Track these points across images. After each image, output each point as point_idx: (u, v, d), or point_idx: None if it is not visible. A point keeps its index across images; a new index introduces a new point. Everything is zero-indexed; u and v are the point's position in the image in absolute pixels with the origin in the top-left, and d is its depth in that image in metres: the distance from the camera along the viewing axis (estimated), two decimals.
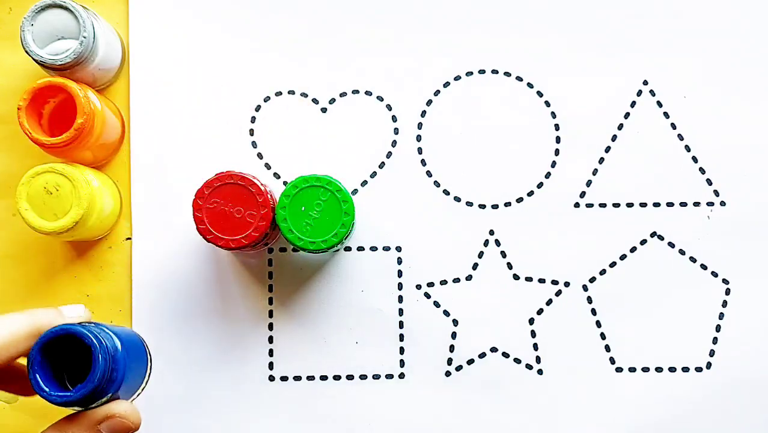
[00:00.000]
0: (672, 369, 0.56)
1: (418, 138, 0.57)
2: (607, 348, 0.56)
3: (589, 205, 0.57)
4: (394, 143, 0.57)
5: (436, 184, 0.57)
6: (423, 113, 0.57)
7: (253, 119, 0.57)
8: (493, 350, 0.56)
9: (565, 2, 0.58)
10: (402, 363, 0.56)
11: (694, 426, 0.55)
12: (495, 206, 0.57)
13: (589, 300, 0.56)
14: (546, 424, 0.56)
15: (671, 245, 0.57)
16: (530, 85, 0.57)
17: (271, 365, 0.56)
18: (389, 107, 0.57)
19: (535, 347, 0.56)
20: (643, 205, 0.57)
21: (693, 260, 0.56)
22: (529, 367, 0.56)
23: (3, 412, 0.55)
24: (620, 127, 0.57)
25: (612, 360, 0.56)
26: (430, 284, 0.56)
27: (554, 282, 0.56)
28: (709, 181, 0.57)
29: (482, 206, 0.57)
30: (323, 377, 0.56)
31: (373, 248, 0.57)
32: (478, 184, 0.57)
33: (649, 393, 0.56)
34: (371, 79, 0.57)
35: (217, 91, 0.57)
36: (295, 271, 0.56)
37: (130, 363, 0.45)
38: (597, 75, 0.57)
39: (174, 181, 0.56)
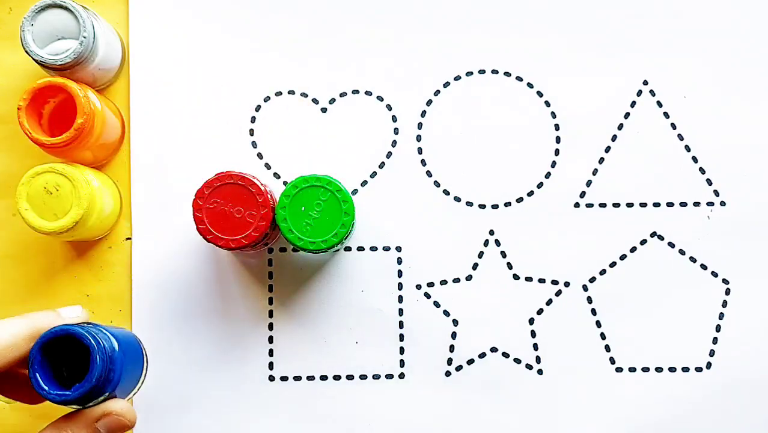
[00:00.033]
0: (672, 369, 0.56)
1: (418, 138, 0.57)
2: (607, 348, 0.56)
3: (589, 205, 0.57)
4: (394, 143, 0.57)
5: (436, 184, 0.57)
6: (423, 113, 0.57)
7: (253, 119, 0.57)
8: (493, 350, 0.56)
9: (565, 2, 0.58)
10: (402, 363, 0.56)
11: (694, 426, 0.55)
12: (495, 206, 0.57)
13: (589, 300, 0.56)
14: (546, 424, 0.56)
15: (671, 245, 0.57)
16: (530, 85, 0.57)
17: (271, 365, 0.56)
18: (389, 107, 0.57)
19: (535, 347, 0.56)
20: (643, 205, 0.57)
21: (693, 260, 0.56)
22: (529, 367, 0.56)
23: (3, 412, 0.55)
24: (620, 127, 0.57)
25: (612, 360, 0.56)
26: (430, 284, 0.56)
27: (554, 282, 0.56)
28: (709, 181, 0.57)
29: (482, 206, 0.57)
30: (323, 377, 0.56)
31: (373, 248, 0.57)
32: (478, 184, 0.57)
33: (649, 393, 0.56)
34: (371, 79, 0.57)
35: (217, 91, 0.57)
36: (295, 271, 0.56)
37: (126, 364, 0.46)
38: (597, 75, 0.57)
39: (174, 181, 0.56)
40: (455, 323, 0.56)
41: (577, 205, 0.57)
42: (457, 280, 0.56)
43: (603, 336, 0.56)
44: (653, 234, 0.57)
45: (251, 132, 0.57)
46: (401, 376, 0.56)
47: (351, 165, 0.57)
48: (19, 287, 0.56)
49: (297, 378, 0.56)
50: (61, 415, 0.45)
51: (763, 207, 0.57)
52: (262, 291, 0.56)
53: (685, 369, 0.56)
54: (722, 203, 0.57)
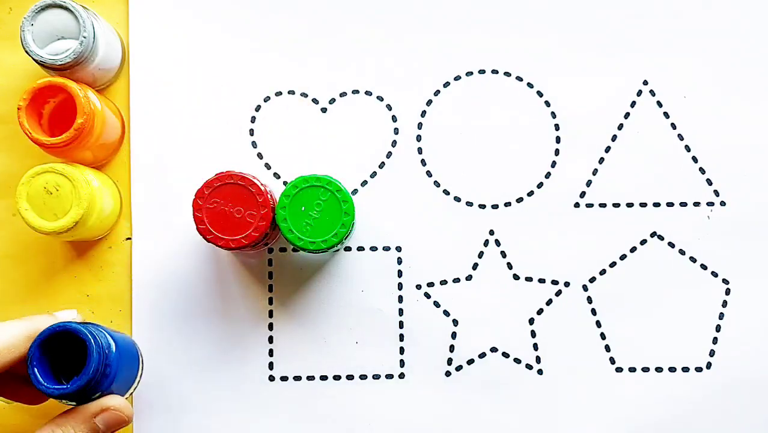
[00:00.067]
0: (672, 369, 0.56)
1: (418, 138, 0.57)
2: (607, 348, 0.56)
3: (589, 205, 0.57)
4: (394, 143, 0.57)
5: (436, 184, 0.57)
6: (423, 113, 0.57)
7: (253, 119, 0.57)
8: (493, 350, 0.56)
9: (565, 2, 0.58)
10: (402, 363, 0.56)
11: (694, 426, 0.55)
12: (495, 206, 0.57)
13: (589, 300, 0.56)
14: (546, 424, 0.56)
15: (671, 245, 0.57)
16: (530, 85, 0.57)
17: (271, 365, 0.56)
18: (389, 107, 0.57)
19: (535, 347, 0.56)
20: (643, 205, 0.57)
21: (693, 260, 0.56)
22: (529, 367, 0.56)
23: (3, 412, 0.55)
24: (620, 127, 0.57)
25: (612, 360, 0.56)
26: (430, 284, 0.56)
27: (554, 282, 0.56)
28: (709, 181, 0.57)
29: (482, 206, 0.57)
30: (323, 377, 0.56)
31: (373, 248, 0.57)
32: (478, 184, 0.57)
33: (649, 393, 0.56)
34: (371, 79, 0.57)
35: (217, 91, 0.57)
36: (295, 271, 0.56)
37: (122, 361, 0.48)
38: (597, 75, 0.57)
39: (174, 181, 0.56)
40: (455, 323, 0.56)
41: (577, 205, 0.57)
42: (457, 280, 0.56)
43: (603, 336, 0.56)
44: (653, 234, 0.57)
45: (251, 132, 0.57)
46: (401, 376, 0.56)
47: (351, 165, 0.57)
48: (19, 287, 0.56)
49: (297, 378, 0.56)
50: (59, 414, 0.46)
51: (763, 207, 0.57)
52: (262, 291, 0.56)
53: (685, 369, 0.56)
54: (722, 203, 0.57)
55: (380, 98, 0.57)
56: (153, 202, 0.56)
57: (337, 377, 0.56)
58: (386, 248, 0.57)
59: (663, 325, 0.56)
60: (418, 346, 0.56)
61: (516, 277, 0.56)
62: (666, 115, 0.57)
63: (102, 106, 0.53)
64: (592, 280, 0.56)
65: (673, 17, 0.58)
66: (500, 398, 0.56)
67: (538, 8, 0.58)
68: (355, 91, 0.57)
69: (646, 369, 0.56)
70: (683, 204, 0.57)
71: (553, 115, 0.57)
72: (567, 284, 0.56)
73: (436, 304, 0.56)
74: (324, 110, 0.57)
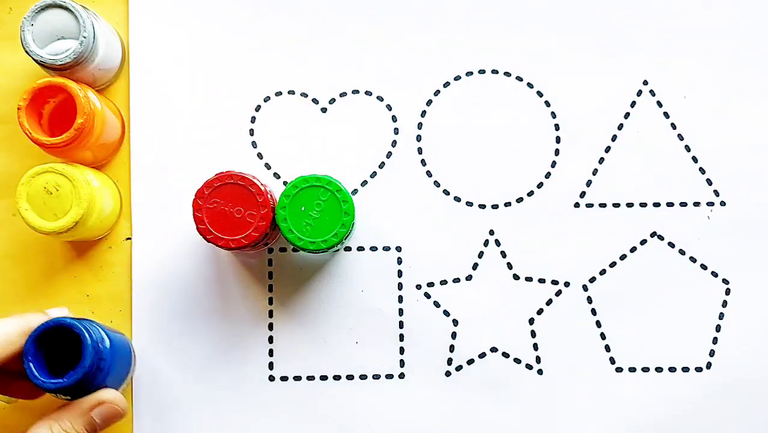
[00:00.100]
0: (672, 369, 0.56)
1: (418, 138, 0.57)
2: (607, 348, 0.56)
3: (589, 205, 0.57)
4: (394, 143, 0.57)
5: (436, 184, 0.57)
6: (423, 113, 0.57)
7: (253, 119, 0.57)
8: (493, 350, 0.56)
9: (565, 2, 0.58)
10: (402, 363, 0.56)
11: (694, 426, 0.55)
12: (495, 206, 0.57)
13: (589, 300, 0.56)
14: (546, 424, 0.56)
15: (671, 245, 0.57)
16: (530, 85, 0.57)
17: (271, 365, 0.56)
18: (389, 107, 0.57)
19: (535, 347, 0.56)
20: (643, 205, 0.57)
21: (693, 260, 0.56)
22: (529, 367, 0.56)
23: (3, 412, 0.55)
24: (620, 127, 0.57)
25: (612, 360, 0.56)
26: (430, 284, 0.56)
27: (554, 282, 0.56)
28: (709, 181, 0.57)
29: (482, 206, 0.57)
30: (323, 377, 0.56)
31: (373, 248, 0.57)
32: (478, 184, 0.57)
33: (649, 393, 0.56)
34: (371, 79, 0.57)
35: (217, 91, 0.57)
36: (295, 271, 0.56)
37: (116, 355, 0.49)
38: (597, 75, 0.57)
39: (174, 181, 0.56)
40: (455, 323, 0.56)
41: (577, 205, 0.57)
42: (457, 280, 0.56)
43: (603, 336, 0.56)
44: (653, 234, 0.57)
45: (251, 132, 0.57)
46: (401, 376, 0.56)
47: (351, 165, 0.57)
48: (19, 287, 0.56)
49: (297, 378, 0.56)
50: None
51: (763, 207, 0.57)
52: (262, 291, 0.56)
53: (685, 369, 0.56)
54: (722, 203, 0.57)
55: (380, 98, 0.57)
56: (153, 202, 0.56)
57: (337, 377, 0.56)
58: (386, 248, 0.57)
59: (663, 325, 0.56)
60: (418, 346, 0.56)
61: (516, 277, 0.56)
62: (666, 115, 0.57)
63: (102, 106, 0.53)
64: (592, 280, 0.56)
65: (673, 17, 0.58)
66: (500, 398, 0.56)
67: (538, 8, 0.58)
68: (355, 91, 0.57)
69: (646, 369, 0.56)
70: (683, 204, 0.57)
71: (553, 115, 0.57)
72: (567, 284, 0.56)
73: (436, 304, 0.56)
74: (324, 110, 0.57)
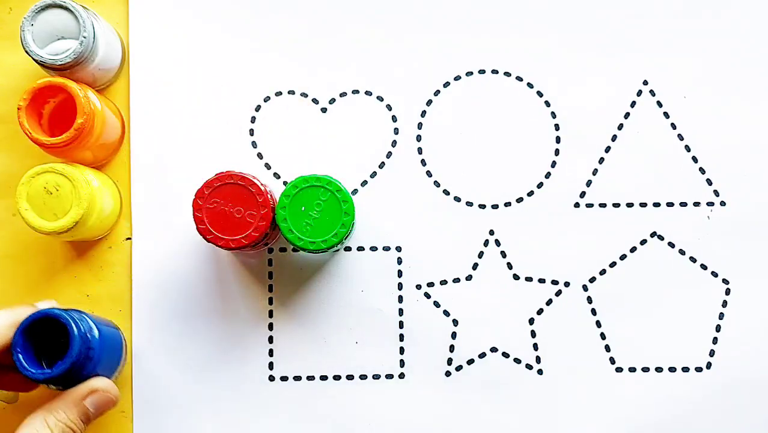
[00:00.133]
0: (672, 369, 0.56)
1: (418, 138, 0.57)
2: (607, 348, 0.56)
3: (589, 205, 0.57)
4: (394, 143, 0.57)
5: (436, 184, 0.57)
6: (423, 113, 0.57)
7: (253, 119, 0.57)
8: (493, 350, 0.56)
9: (565, 2, 0.58)
10: (402, 363, 0.56)
11: (694, 426, 0.55)
12: (495, 206, 0.57)
13: (589, 300, 0.56)
14: (546, 424, 0.56)
15: (671, 245, 0.57)
16: (530, 85, 0.57)
17: (271, 365, 0.56)
18: (389, 107, 0.57)
19: (535, 347, 0.56)
20: (643, 205, 0.57)
21: (693, 260, 0.56)
22: (529, 367, 0.56)
23: (3, 412, 0.55)
24: (620, 127, 0.57)
25: (612, 360, 0.56)
26: (430, 284, 0.56)
27: (554, 282, 0.56)
28: (709, 181, 0.57)
29: (482, 206, 0.57)
30: (323, 377, 0.56)
31: (373, 248, 0.57)
32: (478, 184, 0.57)
33: (649, 393, 0.56)
34: (371, 79, 0.57)
35: (217, 91, 0.57)
36: (295, 271, 0.56)
37: (105, 344, 0.49)
38: (597, 75, 0.57)
39: (174, 181, 0.56)
40: (455, 323, 0.56)
41: (577, 205, 0.57)
42: (457, 280, 0.56)
43: (603, 336, 0.56)
44: (653, 234, 0.57)
45: (251, 132, 0.57)
46: (401, 376, 0.56)
47: (351, 165, 0.57)
48: (19, 287, 0.56)
49: (297, 378, 0.56)
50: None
51: (763, 207, 0.57)
52: (262, 291, 0.56)
53: (685, 369, 0.56)
54: (722, 203, 0.57)
55: (380, 98, 0.57)
56: (153, 202, 0.56)
57: (337, 377, 0.56)
58: (386, 248, 0.57)
59: (663, 325, 0.56)
60: (418, 346, 0.56)
61: (516, 277, 0.56)
62: (666, 115, 0.57)
63: (102, 106, 0.53)
64: (592, 280, 0.56)
65: (673, 17, 0.58)
66: (500, 398, 0.56)
67: (538, 8, 0.58)
68: (355, 91, 0.57)
69: (646, 369, 0.56)
70: (683, 204, 0.57)
71: (553, 115, 0.57)
72: (567, 284, 0.56)
73: (436, 304, 0.56)
74: (324, 110, 0.57)
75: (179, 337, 0.56)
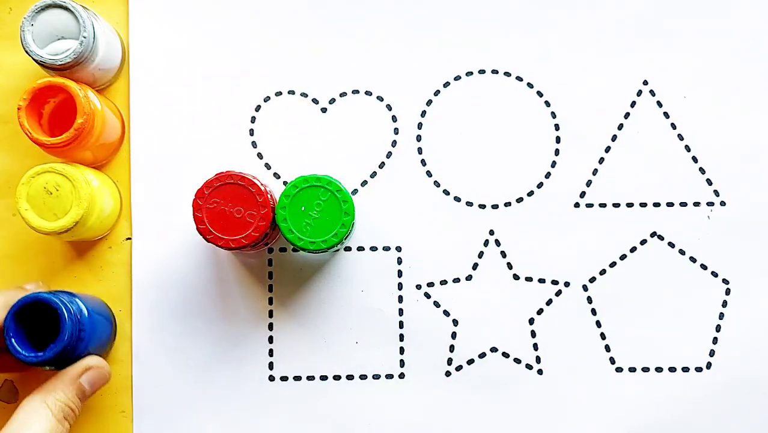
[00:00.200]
0: (672, 369, 0.56)
1: (418, 138, 0.57)
2: (607, 348, 0.56)
3: (589, 205, 0.57)
4: (394, 143, 0.57)
5: (436, 184, 0.57)
6: (423, 113, 0.57)
7: (253, 119, 0.57)
8: (493, 350, 0.56)
9: (565, 2, 0.58)
10: (402, 363, 0.56)
11: (694, 426, 0.55)
12: (495, 206, 0.57)
13: (589, 300, 0.56)
14: (546, 424, 0.56)
15: (671, 245, 0.57)
16: (530, 85, 0.57)
17: (271, 365, 0.56)
18: (389, 107, 0.57)
19: (535, 347, 0.56)
20: (643, 205, 0.57)
21: (693, 260, 0.56)
22: (529, 367, 0.56)
23: (3, 412, 0.55)
24: (620, 127, 0.57)
25: (612, 360, 0.56)
26: (430, 284, 0.56)
27: (554, 282, 0.56)
28: (709, 181, 0.57)
29: (482, 206, 0.57)
30: (323, 377, 0.56)
31: (373, 248, 0.57)
32: (478, 184, 0.57)
33: (649, 393, 0.56)
34: (371, 79, 0.57)
35: (217, 91, 0.57)
36: (295, 271, 0.56)
37: (95, 324, 0.51)
38: (597, 75, 0.57)
39: (174, 181, 0.56)
40: (455, 323, 0.56)
41: (577, 205, 0.57)
42: (457, 280, 0.56)
43: (603, 336, 0.56)
44: (653, 234, 0.57)
45: (251, 132, 0.57)
46: (401, 376, 0.56)
47: (351, 165, 0.57)
48: None
49: (297, 378, 0.56)
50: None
51: (763, 207, 0.57)
52: (262, 291, 0.56)
53: (685, 369, 0.56)
54: (722, 203, 0.57)
55: (380, 98, 0.57)
56: (153, 202, 0.56)
57: (337, 377, 0.56)
58: (386, 248, 0.57)
59: (663, 325, 0.56)
60: (418, 346, 0.56)
61: (516, 277, 0.56)
62: (666, 115, 0.57)
63: (102, 106, 0.53)
64: (592, 280, 0.56)
65: (673, 17, 0.58)
66: (500, 398, 0.56)
67: (539, 8, 0.58)
68: (355, 91, 0.57)
69: (646, 369, 0.56)
70: (683, 204, 0.57)
71: (553, 115, 0.57)
72: (567, 284, 0.56)
73: (436, 304, 0.56)
74: (324, 110, 0.57)
75: (179, 337, 0.56)
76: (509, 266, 0.56)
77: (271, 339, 0.56)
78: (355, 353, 0.56)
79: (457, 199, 0.57)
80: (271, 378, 0.56)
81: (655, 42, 0.57)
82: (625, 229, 0.57)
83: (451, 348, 0.56)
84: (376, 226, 0.57)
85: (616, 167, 0.57)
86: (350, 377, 0.56)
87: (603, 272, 0.56)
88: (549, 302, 0.56)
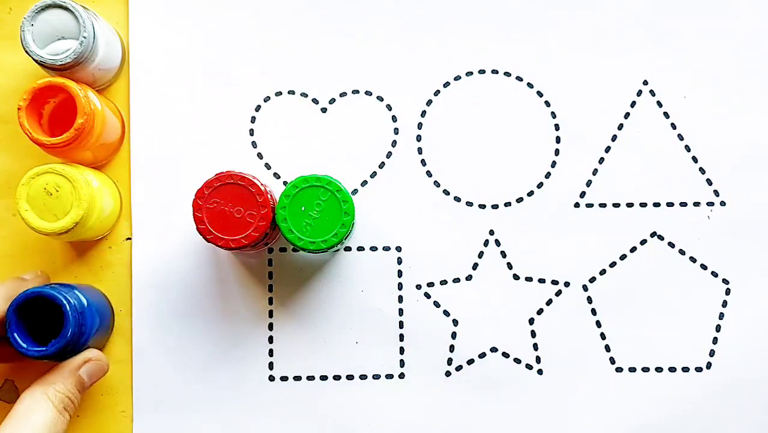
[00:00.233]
0: (672, 369, 0.56)
1: (418, 138, 0.57)
2: (607, 348, 0.56)
3: (589, 205, 0.57)
4: (394, 143, 0.57)
5: (436, 184, 0.57)
6: (423, 113, 0.57)
7: (253, 119, 0.57)
8: (493, 350, 0.56)
9: (565, 2, 0.58)
10: (402, 363, 0.56)
11: (694, 426, 0.55)
12: (495, 206, 0.57)
13: (589, 300, 0.56)
14: (546, 424, 0.56)
15: (671, 245, 0.57)
16: (530, 85, 0.57)
17: (271, 365, 0.56)
18: (389, 107, 0.57)
19: (535, 347, 0.56)
20: (643, 205, 0.57)
21: (693, 260, 0.56)
22: (529, 367, 0.56)
23: (3, 411, 0.55)
24: (620, 127, 0.57)
25: (612, 360, 0.56)
26: (430, 284, 0.56)
27: (554, 282, 0.56)
28: (709, 181, 0.57)
29: (482, 206, 0.57)
30: (323, 377, 0.56)
31: (373, 248, 0.57)
32: (478, 184, 0.57)
33: (649, 393, 0.56)
34: (371, 79, 0.57)
35: (217, 91, 0.57)
36: (295, 271, 0.56)
37: (95, 316, 0.52)
38: (597, 75, 0.57)
39: (174, 181, 0.56)
40: (455, 323, 0.56)
41: (577, 205, 0.57)
42: (457, 280, 0.56)
43: (603, 336, 0.56)
44: (653, 234, 0.57)
45: (251, 132, 0.57)
46: (401, 376, 0.56)
47: (351, 165, 0.57)
48: None
49: (297, 378, 0.56)
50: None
51: (763, 207, 0.57)
52: (262, 291, 0.56)
53: (685, 369, 0.56)
54: (722, 203, 0.57)
55: (380, 98, 0.57)
56: (153, 202, 0.56)
57: (337, 377, 0.56)
58: (386, 248, 0.57)
59: (663, 325, 0.56)
60: (418, 346, 0.56)
61: (516, 277, 0.56)
62: (666, 115, 0.57)
63: (102, 106, 0.53)
64: (592, 280, 0.56)
65: (673, 17, 0.58)
66: (500, 398, 0.56)
67: (539, 8, 0.58)
68: (355, 91, 0.57)
69: (646, 369, 0.56)
70: (683, 204, 0.57)
71: (553, 115, 0.57)
72: (567, 284, 0.56)
73: (436, 304, 0.56)
74: (324, 110, 0.57)
75: (179, 337, 0.56)
76: (509, 266, 0.56)
77: (271, 339, 0.56)
78: (355, 353, 0.56)
79: (457, 199, 0.57)
80: (271, 378, 0.56)
81: (655, 42, 0.57)
82: (625, 229, 0.57)
83: (451, 348, 0.56)
84: (376, 226, 0.57)
85: (616, 167, 0.57)
86: (350, 377, 0.56)
87: (603, 272, 0.56)
88: (549, 302, 0.56)
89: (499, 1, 0.58)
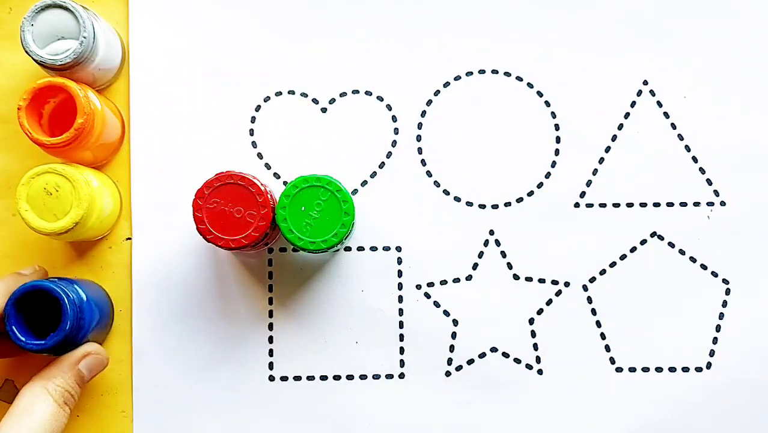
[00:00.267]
0: (672, 369, 0.56)
1: (418, 138, 0.57)
2: (607, 348, 0.56)
3: (589, 205, 0.57)
4: (394, 143, 0.57)
5: (436, 184, 0.57)
6: (423, 113, 0.57)
7: (253, 119, 0.57)
8: (493, 350, 0.56)
9: (566, 2, 0.58)
10: (402, 363, 0.56)
11: (694, 426, 0.55)
12: (495, 206, 0.57)
13: (589, 300, 0.56)
14: (546, 424, 0.56)
15: (671, 245, 0.57)
16: (530, 85, 0.57)
17: (271, 365, 0.56)
18: (389, 107, 0.57)
19: (535, 347, 0.56)
20: (643, 205, 0.57)
21: (693, 260, 0.56)
22: (529, 367, 0.56)
23: (4, 411, 0.55)
24: (620, 127, 0.57)
25: (612, 360, 0.56)
26: (430, 284, 0.56)
27: (554, 282, 0.56)
28: (709, 181, 0.57)
29: (482, 206, 0.57)
30: (323, 377, 0.56)
31: (373, 248, 0.57)
32: (478, 184, 0.57)
33: (649, 393, 0.56)
34: (371, 79, 0.57)
35: (217, 91, 0.57)
36: (295, 271, 0.56)
37: (94, 310, 0.52)
38: (597, 75, 0.57)
39: (174, 181, 0.56)
40: (455, 323, 0.56)
41: (577, 205, 0.57)
42: (457, 280, 0.56)
43: (603, 336, 0.56)
44: (653, 234, 0.57)
45: (251, 132, 0.57)
46: (401, 376, 0.56)
47: (351, 165, 0.57)
48: None
49: (297, 378, 0.56)
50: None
51: (763, 207, 0.57)
52: (262, 291, 0.56)
53: (685, 369, 0.56)
54: (722, 203, 0.57)
55: (380, 98, 0.57)
56: (153, 202, 0.56)
57: (337, 377, 0.56)
58: (386, 248, 0.57)
59: (663, 325, 0.56)
60: (418, 346, 0.56)
61: (516, 277, 0.56)
62: (666, 115, 0.57)
63: (102, 106, 0.53)
64: (592, 280, 0.56)
65: (673, 17, 0.58)
66: (500, 398, 0.56)
67: (539, 8, 0.58)
68: (355, 91, 0.57)
69: (646, 369, 0.56)
70: (683, 204, 0.57)
71: (553, 115, 0.57)
72: (567, 284, 0.56)
73: (436, 304, 0.56)
74: (324, 110, 0.57)
75: (179, 337, 0.56)
76: (509, 266, 0.56)
77: (271, 339, 0.56)
78: (355, 353, 0.56)
79: (457, 199, 0.57)
80: (271, 378, 0.56)
81: (655, 42, 0.57)
82: (625, 229, 0.57)
83: (451, 348, 0.56)
84: (376, 226, 0.57)
85: (616, 167, 0.57)
86: (350, 377, 0.56)
87: (603, 272, 0.56)
88: (549, 302, 0.56)
89: (499, 1, 0.58)
